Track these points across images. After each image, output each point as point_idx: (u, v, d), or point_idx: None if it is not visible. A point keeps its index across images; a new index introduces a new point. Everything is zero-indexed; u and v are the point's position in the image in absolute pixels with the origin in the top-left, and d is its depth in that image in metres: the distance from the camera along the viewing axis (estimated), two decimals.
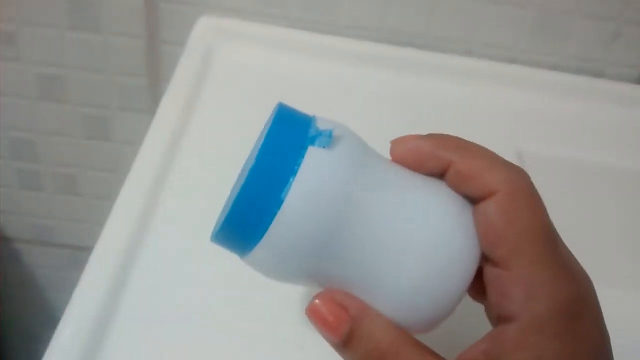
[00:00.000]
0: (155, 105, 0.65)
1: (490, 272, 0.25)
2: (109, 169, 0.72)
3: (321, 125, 0.26)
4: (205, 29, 0.56)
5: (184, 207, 0.42)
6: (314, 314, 0.25)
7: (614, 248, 0.45)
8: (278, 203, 0.24)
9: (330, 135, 0.25)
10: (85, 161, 0.71)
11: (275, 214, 0.24)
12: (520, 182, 0.25)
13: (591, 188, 0.50)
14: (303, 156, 0.24)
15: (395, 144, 0.27)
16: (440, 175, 0.27)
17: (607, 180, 0.50)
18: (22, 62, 0.63)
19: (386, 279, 0.25)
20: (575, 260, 0.25)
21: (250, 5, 0.58)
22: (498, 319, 0.24)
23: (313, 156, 0.24)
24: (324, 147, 0.25)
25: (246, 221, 0.24)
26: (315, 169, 0.24)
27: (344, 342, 0.25)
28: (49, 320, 0.88)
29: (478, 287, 0.26)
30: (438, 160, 0.26)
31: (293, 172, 0.24)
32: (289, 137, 0.25)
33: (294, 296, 0.37)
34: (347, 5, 0.57)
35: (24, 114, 0.68)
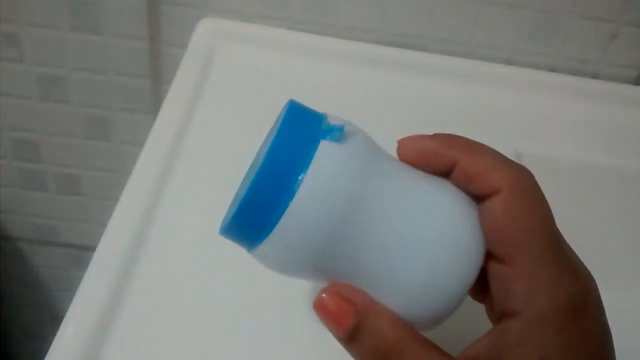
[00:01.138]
0: (157, 106, 0.65)
1: (494, 268, 0.25)
2: (111, 169, 0.72)
3: (332, 122, 0.26)
4: (207, 31, 0.57)
5: (186, 207, 0.42)
6: (320, 307, 0.25)
7: (613, 248, 0.46)
8: (289, 196, 0.24)
9: (342, 129, 0.25)
10: (87, 161, 0.72)
11: (286, 207, 0.24)
12: (524, 180, 0.26)
13: (589, 188, 0.50)
14: (315, 149, 0.24)
15: (402, 143, 0.28)
16: (446, 174, 0.27)
17: (605, 180, 0.51)
18: (25, 63, 0.64)
19: (393, 275, 0.25)
20: (578, 258, 0.26)
21: (251, 7, 0.58)
22: (501, 315, 0.25)
23: (325, 150, 0.25)
24: (336, 142, 0.25)
25: (256, 214, 0.25)
26: (327, 162, 0.24)
27: (350, 337, 0.25)
28: (52, 319, 0.89)
29: (478, 286, 0.26)
30: (444, 158, 0.27)
31: (305, 166, 0.24)
32: (301, 132, 0.25)
33: (297, 295, 0.37)
34: (347, 7, 0.57)
35: (26, 114, 0.68)
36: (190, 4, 0.58)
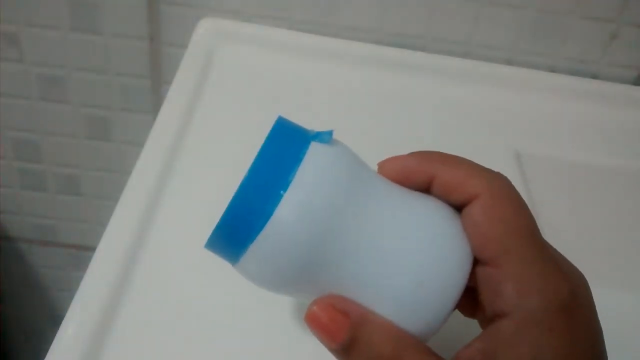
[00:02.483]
0: (157, 106, 0.65)
1: (480, 272, 0.25)
2: (111, 169, 0.72)
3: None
4: (207, 31, 0.57)
5: (186, 207, 0.42)
6: (312, 320, 0.25)
7: (612, 248, 0.46)
8: (271, 208, 0.24)
9: (330, 132, 0.25)
10: (87, 161, 0.72)
11: (268, 218, 0.24)
12: (501, 184, 0.26)
13: (588, 188, 0.50)
14: (300, 162, 0.25)
15: (381, 165, 0.28)
16: (426, 189, 0.28)
17: (604, 180, 0.51)
18: (25, 63, 0.64)
19: (380, 289, 0.25)
20: (564, 257, 0.26)
21: (251, 7, 0.58)
22: (492, 318, 0.25)
23: (311, 160, 0.25)
24: (325, 143, 0.25)
25: (238, 226, 0.25)
26: (311, 175, 0.24)
27: (345, 349, 0.25)
28: (52, 320, 0.89)
29: (467, 302, 0.27)
30: (422, 174, 0.27)
31: (289, 178, 0.24)
32: (286, 145, 0.25)
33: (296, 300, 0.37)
34: (347, 8, 0.58)
35: (26, 114, 0.68)
36: (190, 4, 0.58)
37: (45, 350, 0.33)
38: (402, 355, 0.24)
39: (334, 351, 0.25)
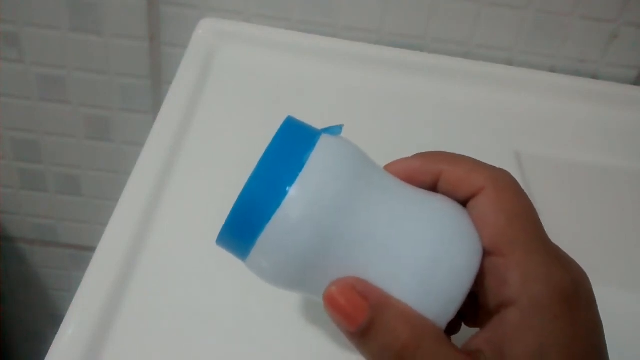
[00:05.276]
0: (157, 106, 0.65)
1: (486, 262, 0.26)
2: (111, 169, 0.72)
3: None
4: (207, 31, 0.57)
5: (186, 207, 0.42)
6: (330, 301, 0.25)
7: (613, 247, 0.46)
8: (278, 201, 0.24)
9: (340, 127, 0.26)
10: (87, 161, 0.72)
11: (274, 211, 0.24)
12: (505, 178, 0.27)
13: (588, 188, 0.50)
14: (308, 156, 0.25)
15: (386, 168, 0.29)
16: (432, 189, 0.28)
17: (604, 180, 0.51)
18: (25, 63, 0.64)
19: (394, 277, 0.25)
20: (563, 251, 0.26)
21: (251, 7, 0.58)
22: (497, 309, 0.25)
23: (318, 153, 0.25)
24: (335, 134, 0.26)
25: (246, 220, 0.25)
26: (318, 166, 0.25)
27: (362, 332, 0.24)
28: (52, 320, 0.89)
29: (471, 312, 0.27)
30: (428, 173, 0.28)
31: (297, 170, 0.24)
32: (294, 141, 0.25)
33: (296, 298, 0.37)
34: (347, 8, 0.58)
35: (26, 114, 0.68)
36: (190, 4, 0.58)
37: (45, 350, 0.33)
38: (419, 342, 0.24)
39: (350, 334, 0.25)
